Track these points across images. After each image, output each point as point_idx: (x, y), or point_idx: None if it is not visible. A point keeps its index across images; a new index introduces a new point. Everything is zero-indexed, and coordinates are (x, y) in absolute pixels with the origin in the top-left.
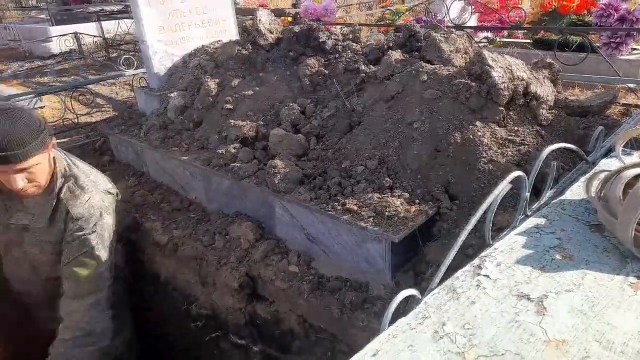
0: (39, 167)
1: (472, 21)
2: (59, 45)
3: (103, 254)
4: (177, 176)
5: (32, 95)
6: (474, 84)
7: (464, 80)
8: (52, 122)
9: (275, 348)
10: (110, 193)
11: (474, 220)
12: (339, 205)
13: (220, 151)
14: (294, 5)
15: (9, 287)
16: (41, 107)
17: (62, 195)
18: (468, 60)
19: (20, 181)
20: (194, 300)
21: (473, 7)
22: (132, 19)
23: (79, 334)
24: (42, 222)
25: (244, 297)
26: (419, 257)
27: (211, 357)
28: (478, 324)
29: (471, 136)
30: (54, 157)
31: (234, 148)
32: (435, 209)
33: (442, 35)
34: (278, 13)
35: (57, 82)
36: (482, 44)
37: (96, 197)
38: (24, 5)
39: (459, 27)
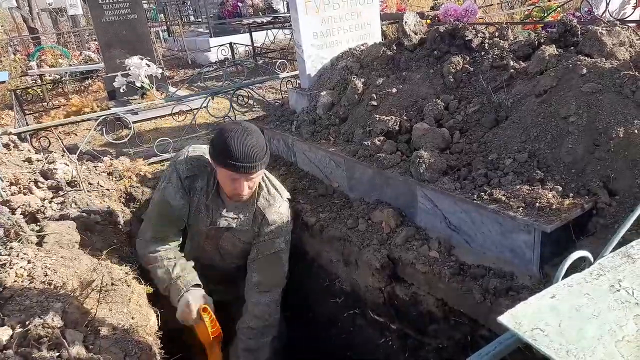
0: (258, 178)
1: (635, 16)
2: (216, 54)
3: (286, 255)
4: (323, 166)
5: (205, 95)
6: None
7: (630, 72)
8: (218, 119)
9: (412, 328)
10: (289, 200)
11: None
12: (485, 195)
13: (366, 143)
14: (433, 8)
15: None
16: (205, 107)
17: (258, 202)
18: (634, 54)
19: (246, 188)
20: (336, 277)
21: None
22: (280, 29)
23: (264, 324)
24: (247, 225)
25: (384, 277)
26: (570, 252)
27: (349, 332)
28: None
29: (636, 131)
30: None
31: (379, 140)
32: (592, 203)
33: (604, 28)
34: None
35: (214, 86)
36: None
37: (283, 205)
38: (184, 21)
39: (623, 20)
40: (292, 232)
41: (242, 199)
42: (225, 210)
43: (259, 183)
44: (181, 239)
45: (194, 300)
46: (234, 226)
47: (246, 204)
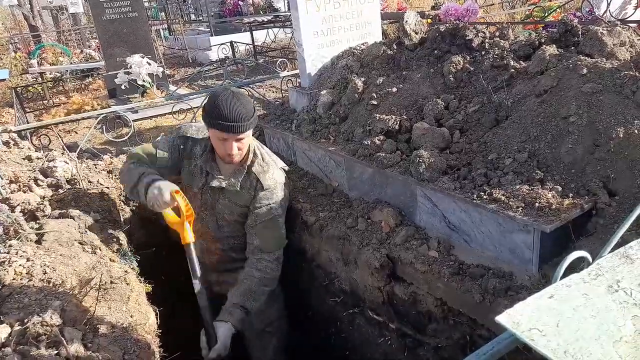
0: (247, 140)
1: (636, 16)
2: (217, 53)
3: (282, 219)
4: (323, 165)
5: (206, 94)
6: None
7: (630, 72)
8: None
9: (411, 327)
10: (284, 170)
11: None
12: (484, 194)
13: (366, 142)
14: (434, 8)
15: None
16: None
17: (253, 168)
18: (634, 54)
19: (235, 148)
20: (335, 277)
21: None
22: (280, 28)
23: (265, 276)
24: (236, 186)
25: (383, 276)
26: (569, 252)
27: (347, 331)
28: None
29: (636, 131)
30: None
31: (379, 140)
32: (591, 204)
33: (605, 28)
34: None
35: (214, 85)
36: None
37: (277, 172)
38: (185, 19)
39: (623, 21)
40: (292, 230)
41: (233, 160)
42: (218, 172)
43: (254, 151)
44: None
45: (165, 185)
46: (224, 186)
47: (239, 168)
